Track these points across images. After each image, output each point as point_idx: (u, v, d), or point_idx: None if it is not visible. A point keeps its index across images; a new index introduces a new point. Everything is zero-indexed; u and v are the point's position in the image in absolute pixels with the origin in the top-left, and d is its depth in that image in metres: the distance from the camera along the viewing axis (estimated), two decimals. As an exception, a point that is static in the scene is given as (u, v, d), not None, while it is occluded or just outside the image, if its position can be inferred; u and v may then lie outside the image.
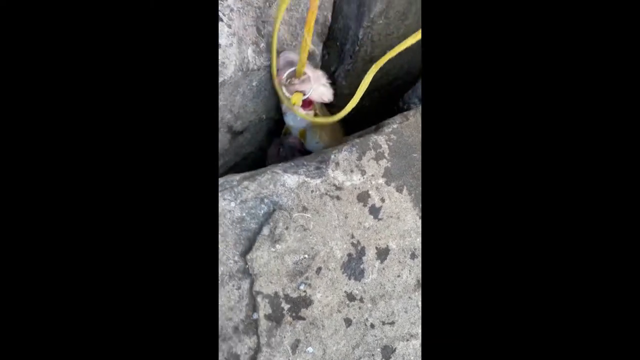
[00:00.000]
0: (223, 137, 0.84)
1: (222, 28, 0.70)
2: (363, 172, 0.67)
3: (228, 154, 0.90)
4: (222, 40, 0.71)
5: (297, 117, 0.86)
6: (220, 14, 0.70)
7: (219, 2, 0.70)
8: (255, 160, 0.97)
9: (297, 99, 0.78)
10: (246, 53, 0.76)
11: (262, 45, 0.78)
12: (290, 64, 0.78)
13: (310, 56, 0.88)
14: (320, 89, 0.82)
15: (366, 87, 0.69)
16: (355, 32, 0.91)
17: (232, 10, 0.72)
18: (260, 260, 0.62)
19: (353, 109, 0.80)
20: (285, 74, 0.78)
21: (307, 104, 0.84)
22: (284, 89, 0.80)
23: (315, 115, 0.87)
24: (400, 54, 1.07)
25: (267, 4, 0.77)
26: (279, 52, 0.78)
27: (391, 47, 1.00)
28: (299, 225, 0.63)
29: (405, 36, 1.01)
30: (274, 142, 0.96)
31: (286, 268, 0.62)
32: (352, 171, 0.66)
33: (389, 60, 1.08)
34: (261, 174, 0.65)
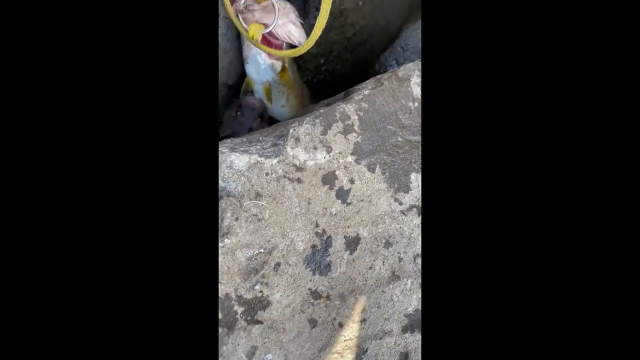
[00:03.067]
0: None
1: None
2: (329, 149, 0.56)
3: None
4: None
5: (260, 66, 0.71)
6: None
7: None
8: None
9: (257, 31, 0.63)
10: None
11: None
12: None
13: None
14: (288, 25, 0.66)
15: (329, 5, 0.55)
16: (321, -22, 0.76)
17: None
18: (206, 257, 0.52)
19: (322, 72, 0.68)
20: None
21: (272, 46, 0.69)
22: (240, 18, 0.64)
23: (283, 68, 0.73)
24: (375, 7, 0.94)
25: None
26: None
27: (364, -2, 0.86)
28: (252, 214, 0.53)
29: (379, -16, 0.87)
30: (231, 104, 0.81)
31: (238, 265, 0.52)
32: (315, 148, 0.56)
33: (362, 16, 0.94)
34: (204, 153, 0.53)
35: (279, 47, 0.70)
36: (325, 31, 0.85)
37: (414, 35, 1.03)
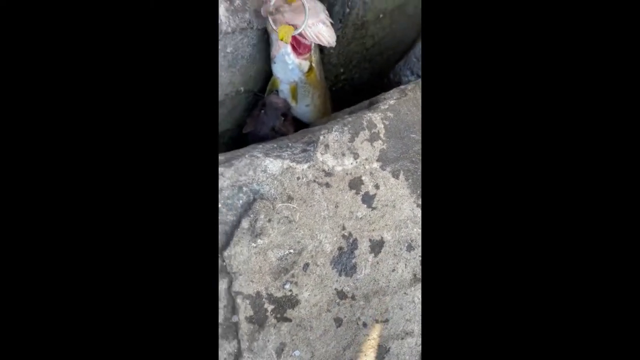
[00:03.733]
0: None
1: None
2: (356, 156, 0.59)
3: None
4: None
5: (288, 66, 0.68)
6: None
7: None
8: (232, 138, 0.87)
9: (286, 33, 0.61)
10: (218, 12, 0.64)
11: (238, 2, 0.66)
12: None
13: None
14: (318, 26, 0.63)
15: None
16: (346, -8, 0.80)
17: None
18: (239, 257, 0.54)
19: (341, 81, 0.70)
20: None
21: (301, 47, 0.66)
22: (270, 19, 0.63)
23: (311, 68, 0.70)
24: (394, 20, 0.97)
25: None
26: None
27: (385, 10, 0.90)
28: (284, 216, 0.56)
29: (401, -2, 0.90)
30: (256, 103, 0.80)
31: (269, 265, 0.55)
32: (343, 154, 0.58)
33: (382, 28, 0.98)
34: (238, 158, 0.56)
35: (308, 48, 0.69)
36: (346, 42, 0.88)
37: (428, 46, 1.06)
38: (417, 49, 1.10)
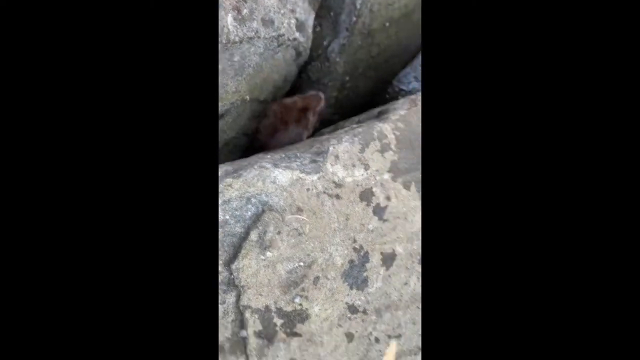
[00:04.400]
0: (200, 122, 0.73)
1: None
2: (366, 167, 0.58)
3: (206, 141, 0.78)
4: (197, 3, 0.58)
5: None
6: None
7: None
8: (237, 146, 0.86)
9: None
10: (225, 21, 0.63)
11: (245, 11, 0.65)
12: None
13: (301, 27, 0.76)
14: None
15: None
16: (353, 1, 0.79)
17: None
18: (247, 270, 0.53)
19: (346, 89, 0.69)
20: None
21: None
22: None
23: None
24: (400, 28, 0.97)
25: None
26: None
27: (392, 19, 0.89)
28: (293, 228, 0.54)
29: (407, 6, 0.90)
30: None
31: (278, 278, 0.54)
32: (354, 165, 0.57)
33: (388, 36, 0.97)
34: (246, 168, 0.55)
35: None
36: (353, 51, 0.88)
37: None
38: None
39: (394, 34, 0.93)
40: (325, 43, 0.85)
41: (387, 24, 0.88)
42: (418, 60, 1.10)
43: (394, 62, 1.05)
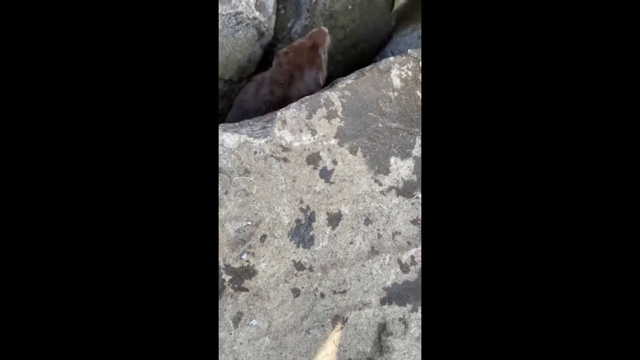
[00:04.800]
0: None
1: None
2: (313, 132, 0.61)
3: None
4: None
5: None
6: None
7: None
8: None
9: None
10: None
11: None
12: None
13: (261, 7, 0.79)
14: None
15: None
16: (313, -17, 0.83)
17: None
18: (197, 228, 0.56)
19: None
20: None
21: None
22: None
23: None
24: (364, 11, 1.00)
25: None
26: None
27: (354, 1, 0.93)
28: (241, 189, 0.57)
29: (367, -12, 0.93)
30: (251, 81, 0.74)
31: (227, 236, 0.56)
32: (301, 131, 0.60)
33: (352, 19, 1.01)
34: (198, 133, 0.58)
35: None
36: (317, 32, 0.91)
37: (403, 41, 1.09)
38: (393, 44, 1.13)
39: (359, 17, 0.96)
40: (289, 24, 0.88)
41: (350, 7, 0.91)
42: (389, 47, 1.13)
43: (363, 47, 1.07)
